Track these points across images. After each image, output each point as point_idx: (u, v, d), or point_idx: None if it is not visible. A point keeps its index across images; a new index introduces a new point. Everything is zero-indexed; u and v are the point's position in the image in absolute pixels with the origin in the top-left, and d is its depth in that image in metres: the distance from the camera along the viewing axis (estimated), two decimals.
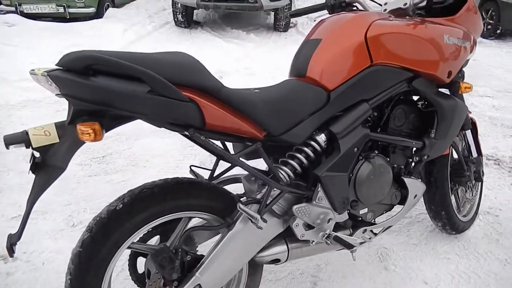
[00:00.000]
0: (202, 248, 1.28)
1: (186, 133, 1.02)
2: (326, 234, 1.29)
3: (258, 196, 1.21)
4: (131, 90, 0.91)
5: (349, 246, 1.27)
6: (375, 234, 1.46)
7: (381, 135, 1.37)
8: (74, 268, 1.04)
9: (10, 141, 0.93)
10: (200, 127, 1.02)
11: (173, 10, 6.36)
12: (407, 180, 1.43)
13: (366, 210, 1.39)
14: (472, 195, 1.92)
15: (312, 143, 1.25)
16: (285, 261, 1.30)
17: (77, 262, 1.03)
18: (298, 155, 1.24)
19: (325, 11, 1.64)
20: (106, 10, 6.91)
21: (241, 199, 1.17)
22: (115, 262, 1.08)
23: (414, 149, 1.46)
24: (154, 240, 1.26)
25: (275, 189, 1.18)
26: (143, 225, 1.08)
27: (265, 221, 1.12)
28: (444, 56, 1.35)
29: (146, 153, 2.63)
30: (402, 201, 1.46)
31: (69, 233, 1.86)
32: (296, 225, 1.23)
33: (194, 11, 6.90)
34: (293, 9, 6.59)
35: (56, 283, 1.57)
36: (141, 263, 1.20)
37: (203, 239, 1.34)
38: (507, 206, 2.17)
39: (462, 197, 1.90)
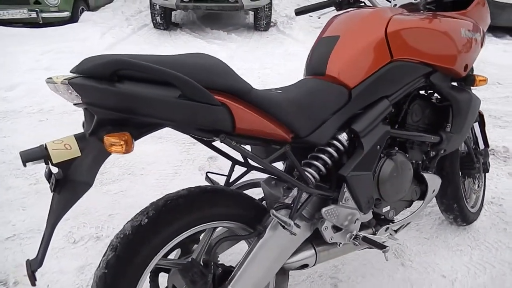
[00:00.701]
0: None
1: (216, 139, 0.97)
2: (354, 235, 1.26)
3: (286, 201, 1.16)
4: (160, 96, 0.85)
5: (380, 246, 1.24)
6: (396, 232, 1.44)
7: (401, 132, 1.35)
8: None
9: (28, 157, 0.84)
10: (230, 132, 0.96)
11: (151, 12, 6.22)
12: (426, 176, 1.42)
13: (388, 208, 1.37)
14: (479, 186, 1.94)
15: (335, 142, 1.21)
16: (313, 266, 1.26)
17: (103, 285, 0.96)
18: (322, 155, 1.20)
19: (332, 8, 1.61)
20: (81, 14, 6.68)
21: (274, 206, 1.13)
22: (143, 282, 1.01)
23: (431, 144, 1.45)
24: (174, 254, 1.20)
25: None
26: (171, 239, 1.01)
27: (298, 226, 1.07)
28: (461, 49, 1.34)
29: (141, 160, 2.54)
30: (422, 197, 1.45)
31: (71, 250, 1.76)
32: (325, 228, 1.19)
33: (172, 12, 6.78)
34: (272, 8, 6.57)
35: None
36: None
37: (222, 249, 1.29)
38: (508, 195, 2.21)
39: (469, 188, 1.91)
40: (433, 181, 1.45)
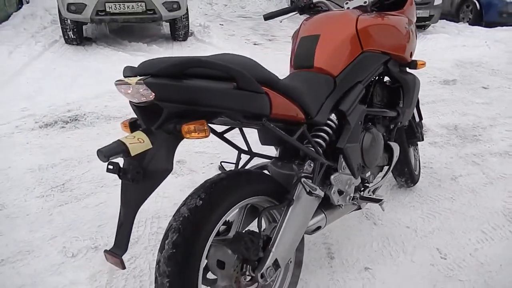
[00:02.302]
0: None
1: (259, 123, 1.15)
2: (351, 196, 1.53)
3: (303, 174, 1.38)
4: (222, 88, 1.02)
5: (376, 200, 1.53)
6: (373, 192, 1.76)
7: (371, 109, 1.66)
8: (171, 270, 1.07)
9: (109, 153, 0.94)
10: (268, 116, 1.15)
11: (62, 27, 5.90)
12: (392, 144, 1.76)
13: (369, 173, 1.67)
14: (416, 153, 2.37)
15: (329, 122, 1.48)
16: (323, 227, 1.50)
17: (174, 263, 1.08)
18: (322, 133, 1.45)
19: (295, 13, 1.87)
20: None
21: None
22: (205, 255, 1.14)
23: (390, 118, 1.79)
24: None
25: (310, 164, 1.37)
26: (224, 214, 1.16)
27: (322, 191, 1.30)
28: (407, 40, 1.71)
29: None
30: (389, 162, 1.79)
31: (73, 264, 1.75)
32: (334, 193, 1.44)
33: (83, 26, 6.50)
34: (188, 18, 6.71)
35: None
36: None
37: (248, 223, 1.46)
38: (434, 159, 2.72)
39: (411, 155, 2.33)
40: (396, 149, 1.80)
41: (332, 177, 1.42)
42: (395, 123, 1.80)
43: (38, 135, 3.08)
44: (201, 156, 2.75)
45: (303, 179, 1.28)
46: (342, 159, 1.49)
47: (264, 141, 1.50)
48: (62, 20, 5.82)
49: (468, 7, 8.63)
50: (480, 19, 8.34)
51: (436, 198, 2.26)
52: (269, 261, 1.23)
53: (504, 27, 7.68)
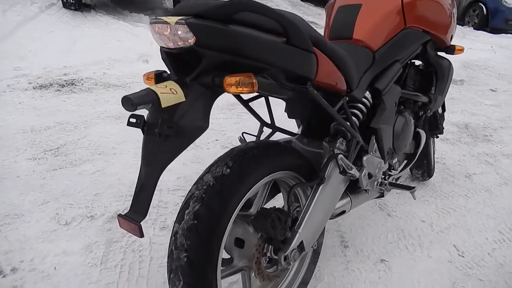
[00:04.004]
0: None
1: (302, 88, 1.01)
2: (379, 182, 1.42)
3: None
4: (273, 41, 0.88)
5: (408, 188, 1.42)
6: (397, 180, 1.65)
7: (405, 91, 1.54)
8: (191, 244, 0.94)
9: (139, 100, 0.80)
10: (312, 81, 1.02)
11: None
12: (420, 131, 1.65)
13: (396, 159, 1.56)
14: (434, 146, 2.27)
15: (364, 100, 1.35)
16: (348, 212, 1.38)
17: (195, 235, 0.95)
18: (356, 111, 1.33)
19: None
20: None
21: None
22: (230, 228, 1.01)
23: (421, 105, 1.68)
24: None
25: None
26: (252, 185, 1.03)
27: (358, 169, 1.18)
28: (450, 21, 1.59)
29: (108, 140, 2.37)
30: (415, 150, 1.68)
31: (66, 232, 1.61)
32: (364, 175, 1.32)
33: None
34: None
35: (83, 285, 1.36)
36: None
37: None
38: (447, 155, 2.63)
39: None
40: (423, 137, 1.69)
41: (364, 158, 1.30)
42: (425, 110, 1.69)
43: (31, 96, 2.89)
44: (206, 132, 2.60)
45: (340, 156, 1.16)
46: (374, 141, 1.37)
47: (293, 113, 1.38)
48: None
49: (475, 11, 8.57)
50: (486, 24, 8.29)
51: (450, 194, 2.17)
52: (295, 243, 1.11)
53: (509, 34, 7.66)
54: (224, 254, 1.12)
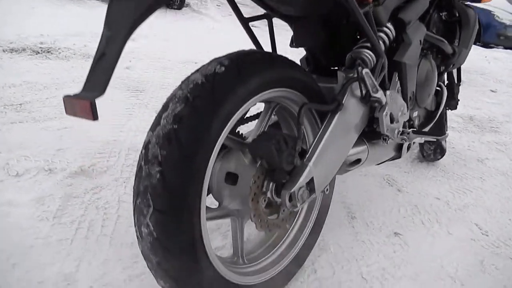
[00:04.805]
0: None
1: None
2: (400, 131, 1.18)
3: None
4: None
5: (438, 133, 1.18)
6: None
7: (432, 35, 1.32)
8: (168, 155, 0.68)
9: None
10: None
11: None
12: (443, 86, 1.43)
13: (416, 113, 1.33)
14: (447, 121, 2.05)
15: (385, 29, 1.12)
16: (364, 162, 1.14)
17: (175, 144, 0.68)
18: (380, 34, 1.10)
19: None
20: None
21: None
22: (222, 140, 0.74)
23: (442, 58, 1.46)
24: None
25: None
26: (255, 94, 0.78)
27: (377, 91, 0.95)
28: None
29: None
30: (436, 108, 1.45)
31: (16, 184, 1.32)
32: (386, 115, 1.08)
33: None
34: None
35: (27, 239, 1.07)
36: None
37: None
38: (455, 141, 2.41)
39: None
40: (445, 92, 1.47)
41: (388, 92, 1.05)
42: (448, 64, 1.47)
43: None
44: (190, 65, 2.36)
45: (365, 70, 0.91)
46: (396, 79, 1.13)
47: (301, 40, 1.14)
48: None
49: None
50: (478, 38, 8.30)
51: (464, 176, 1.94)
52: (304, 179, 0.85)
53: (500, 49, 7.66)
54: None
